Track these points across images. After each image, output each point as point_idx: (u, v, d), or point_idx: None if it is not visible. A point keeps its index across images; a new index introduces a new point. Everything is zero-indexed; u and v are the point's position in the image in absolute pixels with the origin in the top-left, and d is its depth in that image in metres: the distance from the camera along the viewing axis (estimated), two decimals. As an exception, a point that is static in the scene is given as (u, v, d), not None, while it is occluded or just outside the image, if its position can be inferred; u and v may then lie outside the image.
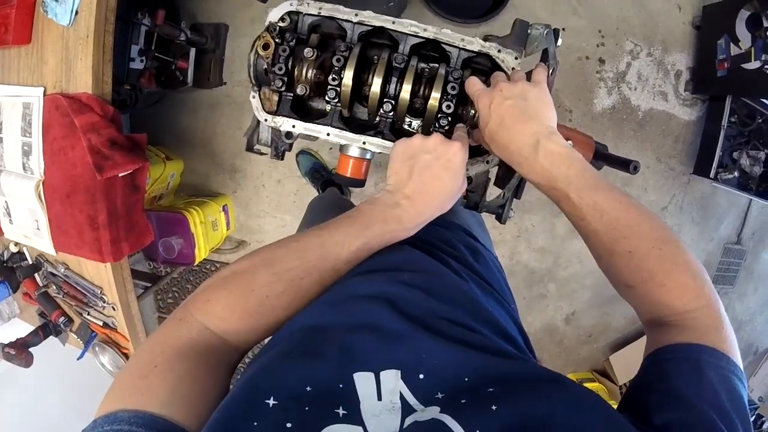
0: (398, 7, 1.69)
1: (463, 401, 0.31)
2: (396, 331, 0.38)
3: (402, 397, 0.33)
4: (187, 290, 2.24)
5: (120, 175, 1.09)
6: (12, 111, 1.18)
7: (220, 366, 0.43)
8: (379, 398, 0.33)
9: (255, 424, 0.30)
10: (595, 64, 1.96)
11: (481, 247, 0.74)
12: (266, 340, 0.46)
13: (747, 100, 1.90)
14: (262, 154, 0.76)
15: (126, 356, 1.23)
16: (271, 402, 0.31)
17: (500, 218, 0.74)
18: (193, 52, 1.77)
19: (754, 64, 1.67)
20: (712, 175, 1.95)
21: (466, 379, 0.34)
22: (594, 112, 2.00)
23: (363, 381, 0.34)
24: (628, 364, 2.23)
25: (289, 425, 0.30)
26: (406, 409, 0.32)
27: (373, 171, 1.95)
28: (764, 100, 1.86)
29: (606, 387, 2.27)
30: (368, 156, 0.72)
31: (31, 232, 1.18)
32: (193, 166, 1.99)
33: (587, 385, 2.22)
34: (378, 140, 0.68)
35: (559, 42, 0.73)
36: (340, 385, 0.34)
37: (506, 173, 0.74)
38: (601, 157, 0.82)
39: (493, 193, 0.71)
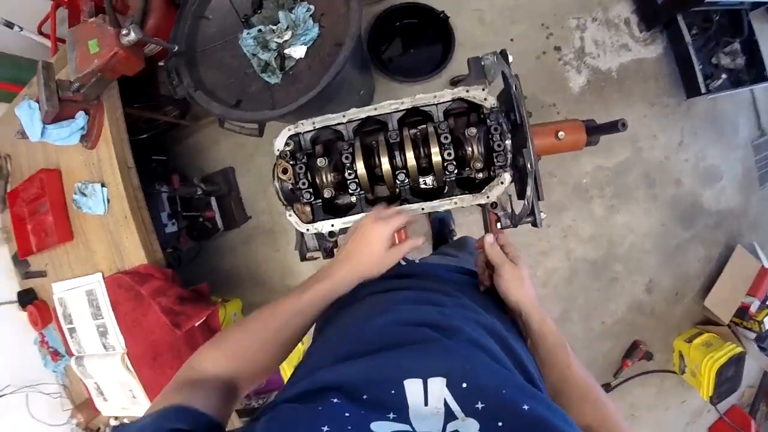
0: (369, 92, 1.87)
1: (500, 424, 0.36)
2: (442, 345, 0.45)
3: (446, 404, 0.38)
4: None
5: (196, 324, 1.20)
6: (76, 301, 1.32)
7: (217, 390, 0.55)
8: (426, 404, 0.38)
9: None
10: (554, 53, 2.07)
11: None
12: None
13: (695, 8, 1.94)
14: (315, 259, 0.86)
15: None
16: (335, 399, 0.38)
17: (535, 223, 0.81)
18: (213, 200, 1.98)
19: (683, -22, 1.73)
20: (703, 90, 1.96)
21: (504, 392, 0.39)
22: (574, 94, 2.08)
23: (412, 387, 0.39)
24: (724, 299, 2.09)
25: (347, 414, 0.36)
26: (449, 415, 0.37)
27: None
28: (707, -1, 1.88)
29: (716, 333, 2.13)
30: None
31: (128, 402, 1.28)
32: (249, 300, 2.09)
33: (696, 340, 2.10)
34: (406, 206, 0.77)
35: (511, 59, 0.83)
36: (392, 391, 0.39)
37: (521, 185, 0.81)
38: (593, 131, 0.89)
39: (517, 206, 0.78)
